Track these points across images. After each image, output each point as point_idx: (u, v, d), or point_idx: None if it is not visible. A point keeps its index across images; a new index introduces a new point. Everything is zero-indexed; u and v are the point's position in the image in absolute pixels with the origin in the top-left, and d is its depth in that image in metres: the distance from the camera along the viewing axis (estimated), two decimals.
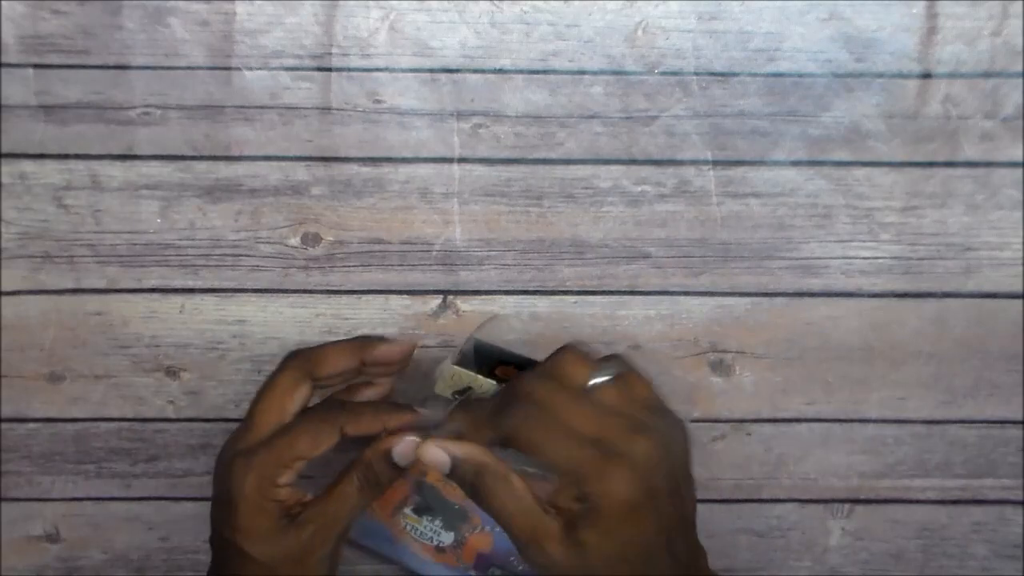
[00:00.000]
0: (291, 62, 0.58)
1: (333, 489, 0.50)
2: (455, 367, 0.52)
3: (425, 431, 0.50)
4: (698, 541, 0.49)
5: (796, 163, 0.60)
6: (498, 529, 0.55)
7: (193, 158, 0.59)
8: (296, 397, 0.52)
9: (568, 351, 0.49)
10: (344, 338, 0.54)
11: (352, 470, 0.50)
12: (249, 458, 0.50)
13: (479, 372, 0.52)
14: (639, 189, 0.60)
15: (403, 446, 0.49)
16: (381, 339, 0.53)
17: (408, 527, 0.57)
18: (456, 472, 0.47)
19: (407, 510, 0.57)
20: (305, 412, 0.52)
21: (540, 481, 0.47)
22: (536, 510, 0.46)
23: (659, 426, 0.47)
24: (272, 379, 0.53)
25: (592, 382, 0.48)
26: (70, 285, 0.60)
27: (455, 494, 0.55)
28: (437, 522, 0.57)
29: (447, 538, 0.57)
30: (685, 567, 0.48)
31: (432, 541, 0.57)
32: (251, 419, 0.52)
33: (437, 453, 0.47)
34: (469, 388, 0.52)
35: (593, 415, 0.46)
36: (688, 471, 0.49)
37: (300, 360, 0.53)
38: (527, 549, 0.46)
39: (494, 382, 0.52)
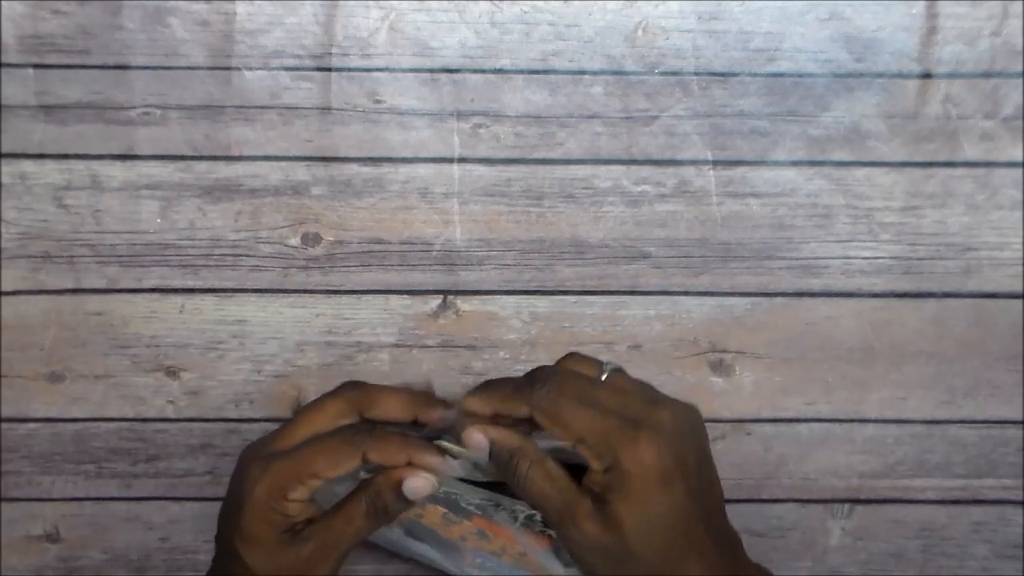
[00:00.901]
0: (291, 62, 0.58)
1: (339, 509, 0.49)
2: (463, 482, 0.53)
3: (443, 474, 0.50)
4: (731, 526, 0.49)
5: (796, 163, 0.60)
6: (502, 562, 0.54)
7: (193, 158, 0.59)
8: (338, 424, 0.51)
9: (574, 354, 0.52)
10: (403, 387, 0.53)
11: (361, 493, 0.49)
12: (267, 463, 0.49)
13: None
14: (639, 189, 0.60)
15: (417, 482, 0.48)
16: (442, 402, 0.51)
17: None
18: (492, 456, 0.49)
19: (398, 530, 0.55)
20: (331, 432, 0.50)
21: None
22: (570, 488, 0.47)
23: (675, 404, 0.49)
24: (321, 399, 0.51)
25: (604, 376, 0.50)
26: (70, 285, 0.60)
27: (453, 533, 0.54)
28: (432, 551, 0.55)
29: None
30: (722, 548, 0.48)
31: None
32: (285, 428, 0.51)
33: (477, 437, 0.49)
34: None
35: (612, 394, 0.48)
36: (709, 452, 0.49)
37: (357, 392, 0.51)
38: (562, 527, 0.47)
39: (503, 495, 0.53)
